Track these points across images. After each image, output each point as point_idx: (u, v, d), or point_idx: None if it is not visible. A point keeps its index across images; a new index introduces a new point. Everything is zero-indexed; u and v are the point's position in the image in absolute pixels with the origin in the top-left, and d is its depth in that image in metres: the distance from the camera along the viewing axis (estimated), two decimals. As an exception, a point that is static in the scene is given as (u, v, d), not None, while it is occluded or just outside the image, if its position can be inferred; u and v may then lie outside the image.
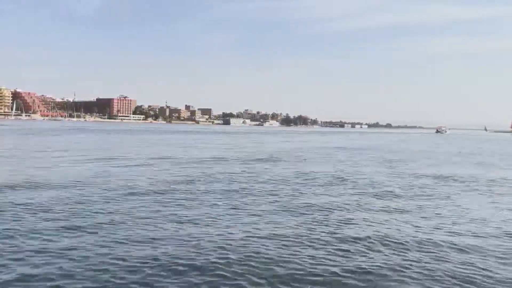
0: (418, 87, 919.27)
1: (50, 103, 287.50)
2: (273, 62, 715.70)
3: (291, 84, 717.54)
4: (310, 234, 11.46)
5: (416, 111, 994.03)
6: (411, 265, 9.32)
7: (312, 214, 14.01)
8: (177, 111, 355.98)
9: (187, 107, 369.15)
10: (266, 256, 9.57)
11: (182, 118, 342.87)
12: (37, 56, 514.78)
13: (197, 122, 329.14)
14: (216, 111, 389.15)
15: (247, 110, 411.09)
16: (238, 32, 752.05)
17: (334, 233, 11.56)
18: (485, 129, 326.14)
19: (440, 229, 12.47)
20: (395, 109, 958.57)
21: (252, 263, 9.12)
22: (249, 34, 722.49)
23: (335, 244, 10.61)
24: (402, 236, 11.44)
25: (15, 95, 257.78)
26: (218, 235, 11.13)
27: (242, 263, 9.12)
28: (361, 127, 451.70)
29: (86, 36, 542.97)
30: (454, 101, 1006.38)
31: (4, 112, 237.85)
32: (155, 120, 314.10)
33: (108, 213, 13.33)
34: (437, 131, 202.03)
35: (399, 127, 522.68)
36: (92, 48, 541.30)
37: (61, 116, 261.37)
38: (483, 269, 9.24)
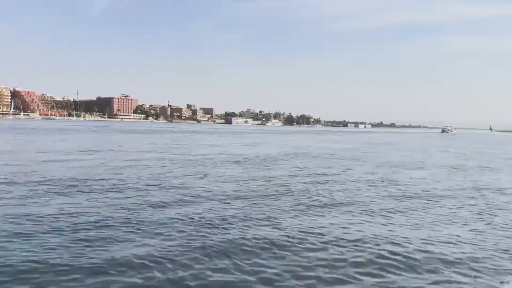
0: (426, 87, 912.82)
1: (50, 102, 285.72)
2: (277, 62, 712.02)
3: (295, 83, 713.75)
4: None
5: (423, 111, 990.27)
6: None
7: None
8: (179, 110, 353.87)
9: (189, 106, 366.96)
10: None
11: (183, 118, 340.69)
12: (39, 55, 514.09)
13: (199, 122, 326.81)
14: (219, 111, 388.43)
15: (250, 109, 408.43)
16: (243, 32, 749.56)
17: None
18: (490, 129, 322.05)
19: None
20: (401, 109, 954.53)
21: None
22: (253, 34, 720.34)
23: None
24: None
25: (14, 94, 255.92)
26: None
27: None
28: (364, 127, 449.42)
29: (90, 35, 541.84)
30: (462, 101, 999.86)
31: (3, 111, 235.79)
32: (155, 119, 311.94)
33: None
34: (443, 131, 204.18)
35: (403, 126, 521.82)
36: (96, 48, 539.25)
37: (61, 115, 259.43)
38: None
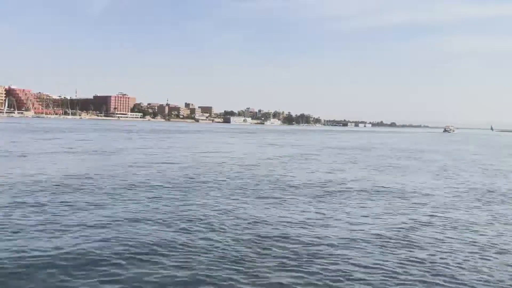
0: (426, 87, 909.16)
1: (46, 100, 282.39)
2: (277, 62, 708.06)
3: (295, 83, 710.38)
4: None
5: (423, 111, 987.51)
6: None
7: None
8: (177, 109, 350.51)
9: (187, 105, 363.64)
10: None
11: (181, 116, 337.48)
12: (39, 55, 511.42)
13: (197, 121, 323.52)
14: (218, 110, 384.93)
15: (249, 108, 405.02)
16: (243, 32, 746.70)
17: None
18: (491, 129, 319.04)
19: None
20: (401, 109, 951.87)
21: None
22: (253, 34, 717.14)
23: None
24: None
25: (9, 92, 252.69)
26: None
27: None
28: (364, 126, 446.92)
29: (90, 35, 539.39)
30: (462, 101, 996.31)
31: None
32: (153, 118, 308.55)
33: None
34: (445, 130, 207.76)
35: (403, 126, 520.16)
36: (95, 47, 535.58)
37: (56, 114, 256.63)
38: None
